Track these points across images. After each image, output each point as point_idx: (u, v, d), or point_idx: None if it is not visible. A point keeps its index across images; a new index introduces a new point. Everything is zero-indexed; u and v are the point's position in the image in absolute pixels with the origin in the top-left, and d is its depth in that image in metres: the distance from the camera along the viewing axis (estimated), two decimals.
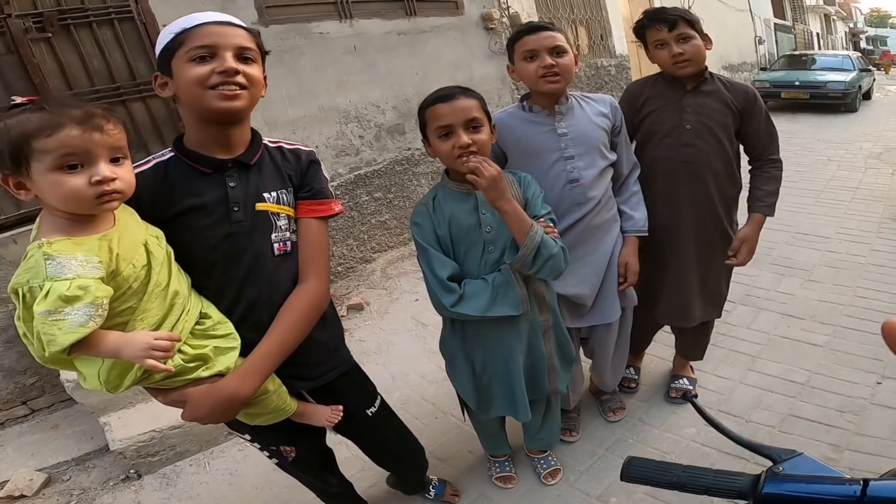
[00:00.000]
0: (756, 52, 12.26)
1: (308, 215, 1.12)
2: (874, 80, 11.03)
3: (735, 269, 1.91)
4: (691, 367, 2.21)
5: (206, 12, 0.99)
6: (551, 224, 1.34)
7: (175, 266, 0.98)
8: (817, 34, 21.65)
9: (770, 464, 0.60)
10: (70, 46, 2.48)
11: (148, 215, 0.97)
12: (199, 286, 1.04)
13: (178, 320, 0.95)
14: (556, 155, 1.54)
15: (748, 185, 1.80)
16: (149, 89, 2.67)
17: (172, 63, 0.96)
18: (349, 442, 1.41)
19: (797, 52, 12.36)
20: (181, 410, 1.00)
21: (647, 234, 1.70)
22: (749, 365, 2.28)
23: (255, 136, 1.10)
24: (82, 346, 0.80)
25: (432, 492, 1.73)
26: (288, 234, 1.10)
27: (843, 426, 1.88)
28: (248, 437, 1.24)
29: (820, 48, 19.80)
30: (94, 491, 2.02)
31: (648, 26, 1.64)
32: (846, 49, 23.52)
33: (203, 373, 0.98)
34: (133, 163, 0.94)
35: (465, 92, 1.28)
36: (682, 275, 1.80)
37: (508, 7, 4.69)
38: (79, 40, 2.49)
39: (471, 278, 1.34)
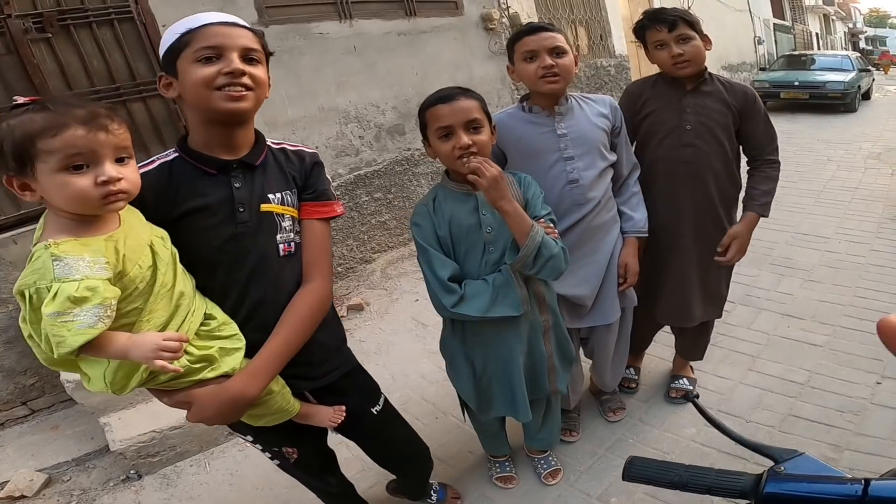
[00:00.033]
0: (755, 52, 12.28)
1: (312, 216, 1.13)
2: (873, 80, 11.04)
3: (735, 270, 1.91)
4: (691, 368, 2.21)
5: (211, 13, 0.99)
6: (551, 225, 1.34)
7: (180, 267, 0.98)
8: (816, 34, 21.67)
9: (771, 463, 0.60)
10: (70, 47, 2.48)
11: (152, 216, 0.97)
12: (202, 287, 1.03)
13: (183, 321, 0.94)
14: (555, 156, 1.54)
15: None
16: (148, 90, 2.68)
17: (178, 63, 0.96)
18: (349, 442, 1.41)
19: (796, 53, 12.37)
20: (183, 411, 1.00)
21: (646, 235, 1.70)
22: (749, 365, 2.28)
23: (259, 137, 1.10)
24: (91, 348, 0.80)
25: (434, 496, 1.72)
26: (292, 234, 1.10)
27: (842, 426, 1.88)
28: (250, 438, 1.23)
29: (819, 48, 19.81)
30: (95, 491, 2.02)
31: (648, 27, 1.65)
32: (845, 49, 23.52)
33: (209, 374, 0.97)
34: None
35: (466, 93, 1.29)
36: (683, 275, 1.80)
37: (508, 7, 4.70)
38: (78, 41, 2.49)
39: (471, 279, 1.34)
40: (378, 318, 3.08)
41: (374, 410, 1.35)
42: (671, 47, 1.60)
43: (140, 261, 0.88)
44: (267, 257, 1.07)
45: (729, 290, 1.93)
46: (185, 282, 0.98)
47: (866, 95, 10.02)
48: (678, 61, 1.60)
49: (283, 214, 1.08)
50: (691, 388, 2.13)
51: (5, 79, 2.31)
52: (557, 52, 1.47)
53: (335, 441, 1.42)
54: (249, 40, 0.99)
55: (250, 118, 1.04)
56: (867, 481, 0.52)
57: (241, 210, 1.03)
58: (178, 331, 0.92)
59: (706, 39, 1.63)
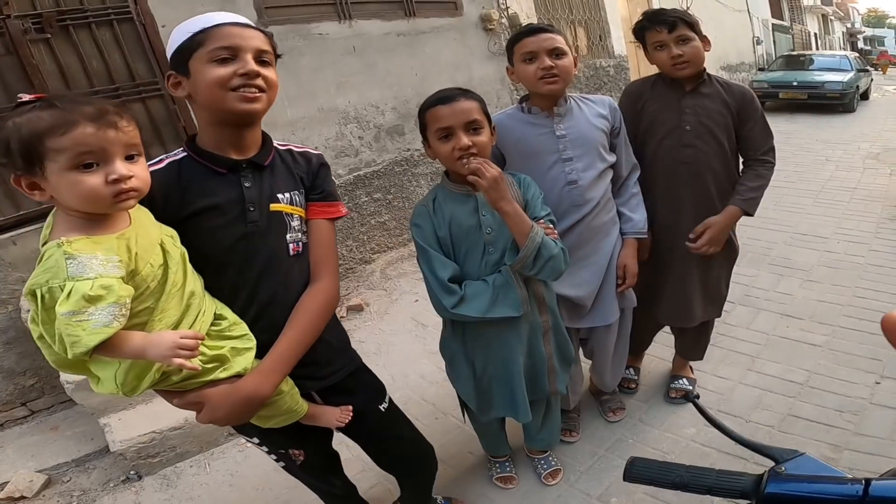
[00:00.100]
0: (754, 52, 12.30)
1: (319, 216, 1.14)
2: (872, 80, 11.06)
3: (735, 270, 1.91)
4: (691, 368, 2.21)
5: (222, 13, 0.99)
6: (551, 225, 1.34)
7: (189, 266, 0.97)
8: (815, 34, 21.72)
9: (772, 464, 0.60)
10: (69, 47, 2.48)
11: (161, 215, 0.96)
12: (211, 287, 1.02)
13: (195, 321, 0.94)
14: (554, 157, 1.55)
15: None
16: (148, 90, 2.68)
17: (190, 63, 0.95)
18: (350, 443, 1.40)
19: (795, 53, 12.40)
20: (184, 412, 1.00)
21: (646, 237, 1.70)
22: (748, 365, 2.29)
23: (267, 138, 1.10)
24: (106, 348, 0.78)
25: None
26: (300, 234, 1.11)
27: (842, 426, 1.88)
28: (256, 440, 1.23)
29: (818, 48, 19.86)
30: (95, 492, 2.01)
31: (648, 28, 1.65)
32: (844, 49, 23.58)
33: (221, 374, 0.97)
34: None
35: (466, 94, 1.29)
36: (683, 275, 1.80)
37: (507, 8, 4.70)
38: (78, 41, 2.49)
39: (471, 280, 1.34)
40: (378, 318, 3.08)
41: (381, 408, 1.34)
42: (671, 48, 1.60)
43: (151, 259, 0.87)
44: (276, 257, 1.07)
45: (728, 291, 1.93)
46: (195, 281, 0.97)
47: (865, 95, 10.04)
48: (678, 62, 1.60)
49: (292, 214, 1.08)
50: (691, 388, 2.13)
51: (4, 79, 2.31)
52: (557, 53, 1.47)
53: (335, 441, 1.42)
54: (262, 42, 0.99)
55: (260, 119, 1.05)
56: (868, 481, 0.52)
57: (252, 209, 1.03)
58: (190, 330, 0.91)
59: (705, 40, 1.64)
